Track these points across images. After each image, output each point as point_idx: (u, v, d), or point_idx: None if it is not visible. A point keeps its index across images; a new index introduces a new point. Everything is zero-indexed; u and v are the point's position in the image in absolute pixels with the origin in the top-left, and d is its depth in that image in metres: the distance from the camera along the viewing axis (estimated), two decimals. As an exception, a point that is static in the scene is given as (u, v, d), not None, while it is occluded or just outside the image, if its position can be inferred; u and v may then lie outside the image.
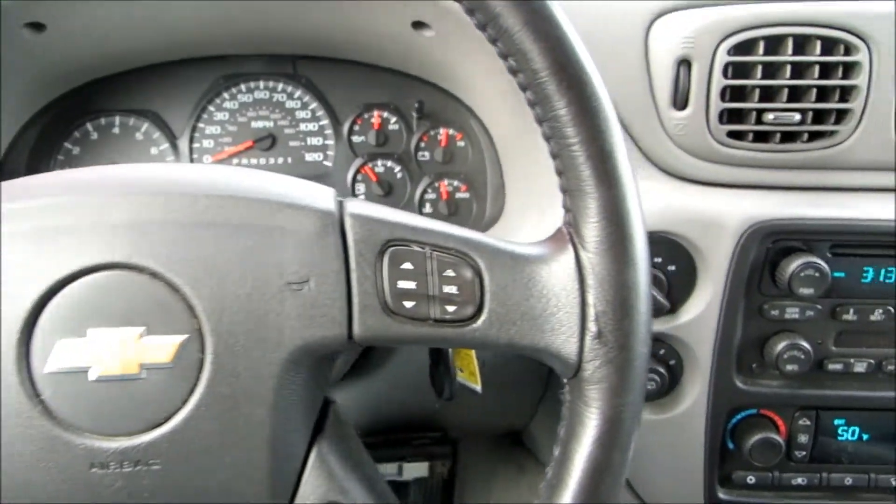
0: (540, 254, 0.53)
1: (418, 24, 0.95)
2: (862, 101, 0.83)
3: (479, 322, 0.52)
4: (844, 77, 0.83)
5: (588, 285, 0.51)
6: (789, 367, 0.87)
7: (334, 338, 0.51)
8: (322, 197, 0.53)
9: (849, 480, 0.97)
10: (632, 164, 0.88)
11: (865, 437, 0.96)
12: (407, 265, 0.52)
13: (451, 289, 0.52)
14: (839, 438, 0.97)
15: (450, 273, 0.52)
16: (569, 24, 0.51)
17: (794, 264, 0.83)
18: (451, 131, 1.14)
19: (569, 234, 0.53)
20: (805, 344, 0.87)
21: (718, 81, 0.83)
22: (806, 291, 0.83)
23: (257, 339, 0.51)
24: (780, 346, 0.87)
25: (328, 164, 1.14)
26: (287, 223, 0.51)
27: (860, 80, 0.82)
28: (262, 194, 0.52)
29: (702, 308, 0.88)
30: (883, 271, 0.88)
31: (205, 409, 0.50)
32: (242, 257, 0.50)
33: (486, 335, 0.52)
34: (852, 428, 0.96)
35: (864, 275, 0.88)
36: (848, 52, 0.83)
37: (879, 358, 0.91)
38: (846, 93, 0.84)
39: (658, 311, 0.89)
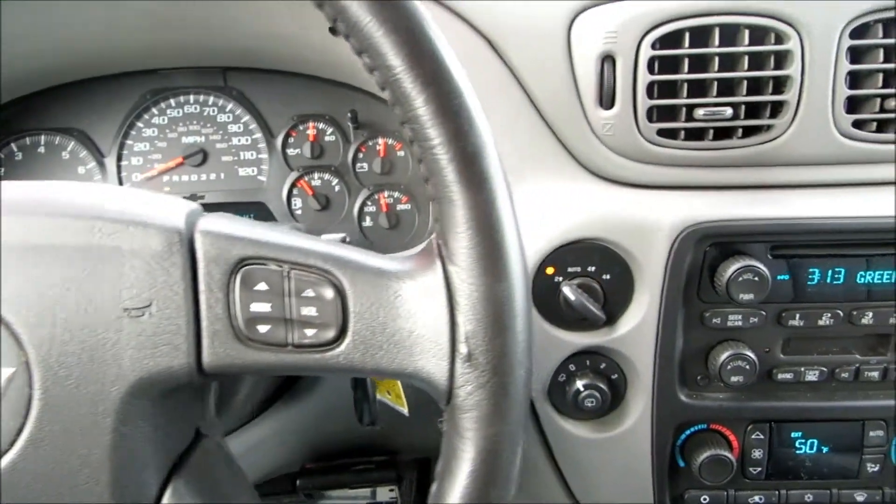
0: (408, 269, 0.48)
1: (336, 32, 0.91)
2: (796, 91, 0.78)
3: (343, 346, 0.48)
4: (777, 67, 0.78)
5: (457, 303, 0.46)
6: (734, 379, 0.82)
7: (180, 368, 0.47)
8: (171, 213, 0.49)
9: (809, 497, 0.91)
10: (558, 167, 0.85)
11: (825, 449, 0.91)
12: (261, 286, 0.47)
13: (310, 311, 0.47)
14: (797, 452, 0.91)
15: (309, 293, 0.48)
16: (425, 15, 0.46)
17: (731, 268, 0.78)
18: (389, 141, 1.10)
19: (437, 246, 0.48)
20: (750, 353, 0.82)
21: (644, 77, 0.79)
22: (745, 297, 0.78)
23: (92, 371, 0.46)
24: (724, 356, 0.82)
25: (262, 178, 1.10)
26: (125, 243, 0.47)
27: (792, 69, 0.78)
28: (99, 212, 0.48)
29: (639, 318, 0.83)
30: (830, 273, 0.82)
31: (35, 448, 0.46)
32: (75, 282, 0.46)
33: (351, 360, 0.48)
34: (810, 441, 0.90)
35: (811, 277, 0.82)
36: (780, 40, 0.78)
37: (832, 365, 0.85)
38: (780, 84, 0.79)
39: (593, 324, 0.84)
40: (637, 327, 0.83)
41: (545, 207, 0.83)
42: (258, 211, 1.09)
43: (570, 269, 0.82)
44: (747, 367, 0.81)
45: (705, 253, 0.81)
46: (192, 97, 1.09)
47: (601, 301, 0.83)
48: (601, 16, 0.81)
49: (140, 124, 1.08)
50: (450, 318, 0.46)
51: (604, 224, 0.81)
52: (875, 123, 0.80)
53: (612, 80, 0.80)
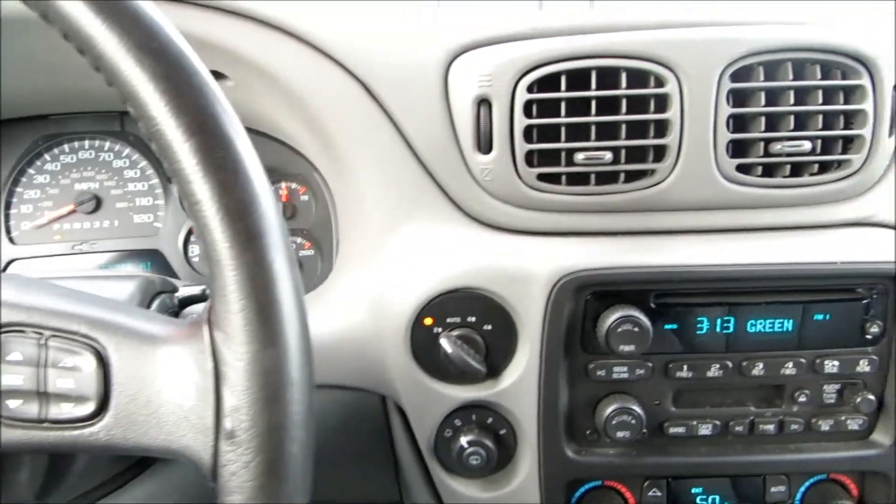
0: (179, 335, 0.45)
1: (216, 74, 0.88)
2: (677, 135, 0.76)
3: (103, 422, 0.44)
4: (658, 111, 0.76)
5: (222, 373, 0.42)
6: (620, 434, 0.78)
7: None
8: None
9: (713, 556, 0.86)
10: (438, 213, 0.82)
11: (728, 505, 0.86)
12: (15, 355, 0.43)
13: (67, 383, 0.43)
14: (700, 509, 0.86)
15: (67, 363, 0.44)
16: (191, 60, 0.43)
17: (610, 319, 0.75)
18: (293, 185, 1.07)
19: (207, 311, 0.44)
20: (636, 408, 0.78)
21: (521, 121, 0.76)
22: (626, 348, 0.75)
23: None
24: (609, 410, 0.78)
25: (158, 224, 1.06)
26: None
27: (671, 113, 0.75)
28: None
29: (521, 371, 0.79)
30: (719, 322, 0.79)
31: None
32: None
33: (111, 437, 0.44)
34: (712, 497, 0.86)
35: (699, 326, 0.79)
36: (659, 83, 0.76)
37: (726, 418, 0.81)
38: (662, 127, 0.77)
39: (474, 378, 0.80)
40: (519, 380, 0.79)
41: (423, 255, 0.80)
42: (153, 259, 1.05)
43: (449, 320, 0.79)
44: (633, 421, 0.77)
45: (586, 302, 0.78)
46: (87, 143, 1.06)
47: (483, 353, 0.79)
48: (478, 59, 0.79)
49: (31, 171, 1.05)
50: (215, 391, 0.42)
51: (483, 273, 0.78)
52: (761, 168, 0.78)
53: (488, 124, 0.77)
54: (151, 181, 1.06)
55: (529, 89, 0.76)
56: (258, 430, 0.41)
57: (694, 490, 0.85)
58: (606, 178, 0.78)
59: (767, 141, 0.77)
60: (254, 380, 0.41)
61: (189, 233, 1.06)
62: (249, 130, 1.03)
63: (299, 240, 1.07)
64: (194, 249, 1.07)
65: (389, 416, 0.89)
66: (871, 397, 0.79)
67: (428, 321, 0.79)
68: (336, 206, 1.00)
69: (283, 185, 1.07)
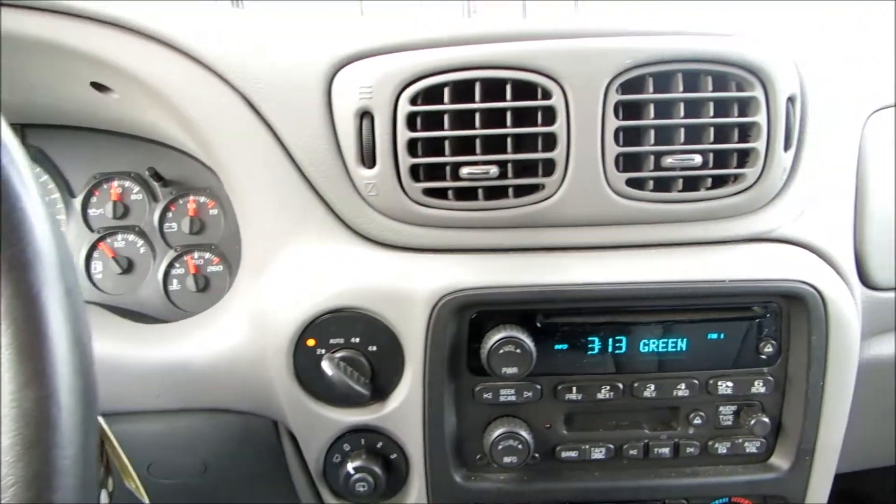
0: None
1: (101, 87, 0.85)
2: (563, 149, 0.73)
3: None
4: (544, 124, 0.74)
5: None
6: (506, 460, 0.75)
7: None
8: None
9: (613, 584, 0.83)
10: (323, 229, 0.79)
11: (628, 532, 0.83)
12: None
13: None
14: (598, 536, 0.83)
15: None
16: None
17: (492, 340, 0.72)
18: (201, 199, 1.04)
19: None
20: (523, 433, 0.75)
21: (403, 134, 0.73)
22: (509, 371, 0.72)
23: None
24: (494, 435, 0.75)
25: (59, 240, 1.02)
26: None
27: (557, 126, 0.73)
28: None
29: (406, 394, 0.76)
30: (611, 342, 0.76)
31: None
32: None
33: None
34: (614, 522, 0.83)
35: (590, 347, 0.76)
36: (546, 95, 0.73)
37: (619, 442, 0.78)
38: (549, 141, 0.74)
39: (359, 401, 0.77)
40: (404, 404, 0.76)
41: (306, 273, 0.77)
42: (53, 275, 1.01)
43: (332, 341, 0.76)
44: (520, 446, 0.75)
45: (471, 322, 0.75)
46: (-14, 155, 1.02)
47: (368, 375, 0.76)
48: (360, 71, 0.76)
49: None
50: None
51: (365, 293, 0.75)
52: (653, 182, 0.75)
53: (370, 137, 0.75)
54: (53, 195, 1.03)
55: (412, 101, 0.74)
56: (15, 478, 0.38)
57: (592, 515, 0.82)
58: (495, 193, 0.75)
59: (658, 155, 0.74)
60: (11, 424, 0.38)
61: (91, 248, 1.03)
62: (151, 142, 1.00)
63: (207, 255, 1.04)
64: (97, 266, 1.03)
65: (282, 440, 0.86)
66: (766, 419, 0.77)
67: (311, 342, 0.76)
68: (237, 221, 0.97)
69: (191, 198, 1.04)
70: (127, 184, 1.04)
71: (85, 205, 1.03)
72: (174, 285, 1.03)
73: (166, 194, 1.04)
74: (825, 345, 0.75)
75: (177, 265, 1.03)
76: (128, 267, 1.03)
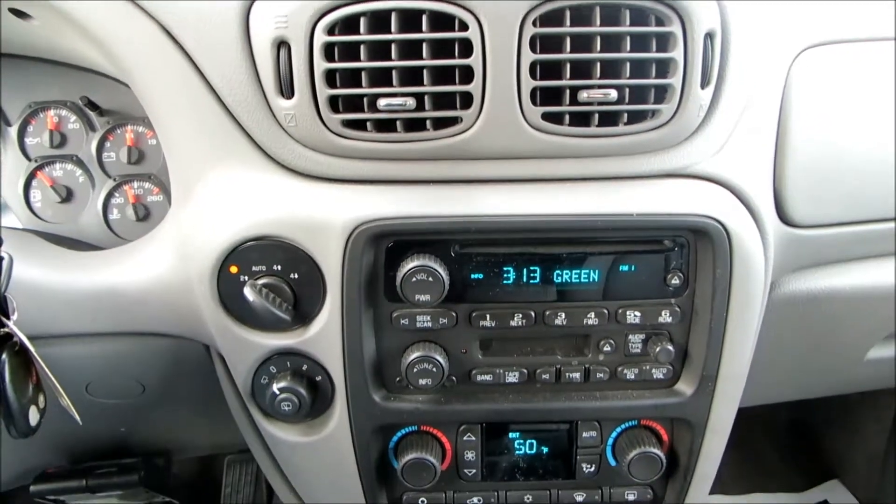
0: None
1: (20, 13, 0.84)
2: (480, 82, 0.74)
3: None
4: (462, 57, 0.74)
5: None
6: (422, 382, 0.78)
7: None
8: None
9: (529, 498, 0.89)
10: (244, 158, 0.79)
11: (545, 450, 0.88)
12: None
13: None
14: (517, 454, 0.88)
15: None
16: None
17: (405, 268, 0.74)
18: (139, 129, 1.04)
19: None
20: (438, 357, 0.79)
21: (320, 65, 0.74)
22: (421, 298, 0.74)
23: None
24: (410, 359, 0.78)
25: (-4, 169, 1.03)
26: None
27: (472, 59, 0.73)
28: None
29: (325, 319, 0.79)
30: (525, 272, 0.79)
31: None
32: None
33: None
34: (529, 441, 0.88)
35: (505, 276, 0.79)
36: (464, 27, 0.73)
37: (533, 367, 0.82)
38: (466, 74, 0.74)
39: (280, 325, 0.79)
40: (324, 328, 0.79)
41: (227, 202, 0.79)
42: (-8, 204, 1.02)
43: (254, 268, 0.78)
44: (434, 370, 0.78)
45: (387, 251, 0.77)
46: (-80, 82, 1.02)
47: (291, 301, 0.79)
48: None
49: None
50: None
51: (284, 221, 0.77)
52: (569, 117, 0.76)
53: (288, 67, 0.75)
54: (-11, 123, 1.03)
55: (329, 31, 0.73)
56: None
57: (511, 435, 0.87)
58: (414, 125, 0.76)
59: (575, 89, 0.75)
60: None
61: (30, 177, 1.03)
62: (87, 71, 0.99)
63: (147, 185, 1.05)
64: (36, 194, 1.04)
65: (214, 362, 0.90)
66: (670, 347, 0.80)
67: (233, 269, 0.78)
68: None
69: (129, 128, 1.04)
70: (63, 113, 1.03)
71: (21, 133, 1.03)
72: (114, 214, 1.05)
73: (103, 124, 1.04)
74: (729, 278, 0.78)
75: (116, 195, 1.04)
76: (67, 196, 1.04)
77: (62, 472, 1.03)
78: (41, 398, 0.78)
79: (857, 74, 0.88)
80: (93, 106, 1.01)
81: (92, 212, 1.04)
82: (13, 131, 1.02)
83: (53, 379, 0.77)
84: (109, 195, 1.04)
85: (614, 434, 0.88)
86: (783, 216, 0.87)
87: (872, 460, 1.68)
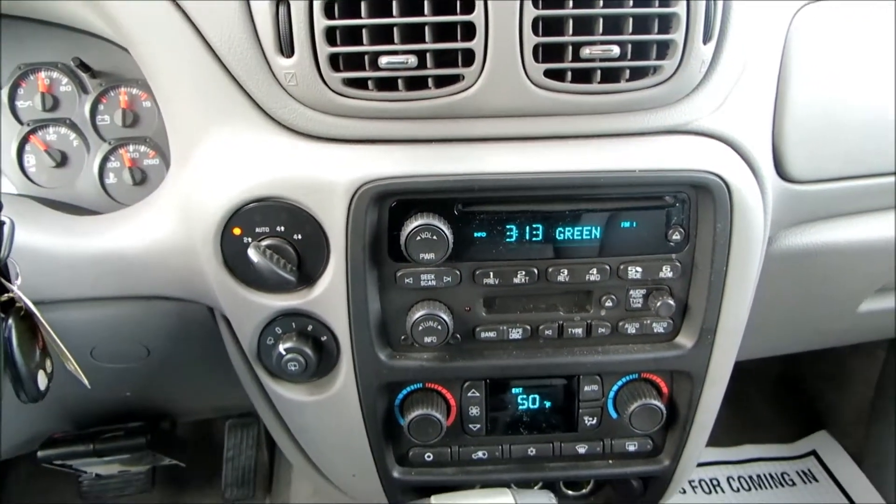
0: None
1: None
2: (482, 39, 0.73)
3: None
4: (463, 13, 0.73)
5: None
6: (427, 340, 0.79)
7: None
8: None
9: (532, 451, 0.91)
10: (245, 119, 0.79)
11: (548, 404, 0.90)
12: None
13: None
14: (520, 408, 0.90)
15: None
16: None
17: (409, 227, 0.75)
18: (133, 91, 1.02)
19: None
20: (443, 314, 0.80)
21: (320, 22, 0.73)
22: (426, 256, 0.75)
23: None
24: (416, 317, 0.79)
25: (-11, 133, 1.01)
26: None
27: (475, 15, 0.72)
28: None
29: (330, 279, 0.79)
30: (528, 229, 0.79)
31: None
32: None
33: None
34: (532, 396, 0.90)
35: (508, 234, 0.79)
36: (465, -17, 0.73)
37: (536, 323, 0.83)
38: (468, 31, 0.74)
39: (285, 287, 0.80)
40: (329, 289, 0.79)
41: (229, 163, 0.78)
42: (-13, 169, 1.01)
43: (258, 230, 0.78)
44: (439, 327, 0.79)
45: (391, 210, 0.77)
46: None
47: (295, 262, 0.79)
48: (276, -45, 0.74)
49: None
50: None
51: (287, 182, 0.77)
52: (572, 73, 0.76)
53: (287, 25, 0.74)
54: (-23, 86, 1.01)
55: (330, -12, 0.72)
56: None
57: (514, 391, 0.89)
58: (416, 83, 0.76)
59: (577, 45, 0.75)
60: None
61: (23, 141, 1.02)
62: (78, 32, 0.97)
63: (143, 148, 1.03)
64: (30, 159, 1.03)
65: (218, 324, 0.90)
66: (671, 301, 0.81)
67: (237, 231, 0.78)
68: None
69: (122, 90, 1.02)
70: (55, 75, 1.01)
71: (12, 96, 1.01)
72: (111, 178, 1.04)
73: (95, 86, 1.02)
74: (729, 232, 0.79)
75: (112, 158, 1.03)
76: (62, 160, 1.02)
77: (69, 437, 1.04)
78: (48, 363, 0.78)
79: (856, 30, 0.88)
80: (84, 67, 0.99)
81: (88, 176, 1.03)
82: (4, 94, 1.00)
83: (60, 343, 0.77)
84: (105, 159, 1.03)
85: (615, 387, 0.90)
86: (782, 172, 0.88)
87: (860, 412, 1.73)
